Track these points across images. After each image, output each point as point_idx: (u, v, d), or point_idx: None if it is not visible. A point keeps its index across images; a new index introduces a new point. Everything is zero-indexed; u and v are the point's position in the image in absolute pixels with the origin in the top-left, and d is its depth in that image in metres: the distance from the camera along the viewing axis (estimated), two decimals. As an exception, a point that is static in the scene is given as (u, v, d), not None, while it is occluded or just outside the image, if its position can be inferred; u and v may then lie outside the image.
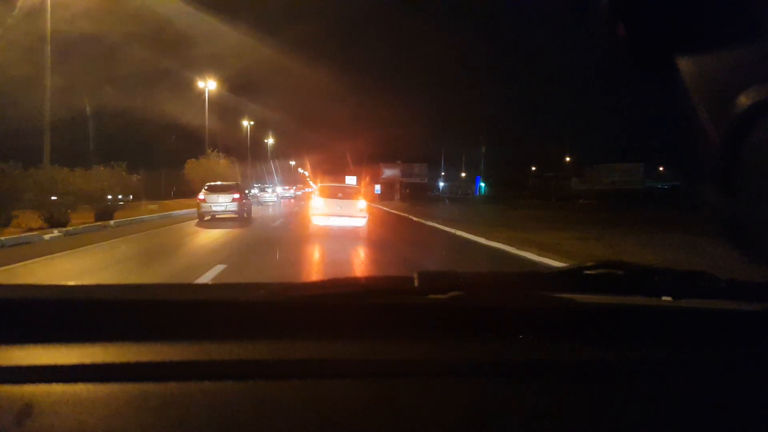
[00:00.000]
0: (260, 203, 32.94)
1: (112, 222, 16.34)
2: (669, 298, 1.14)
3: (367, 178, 54.29)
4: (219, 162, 35.34)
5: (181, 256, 10.33)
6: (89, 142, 27.77)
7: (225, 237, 13.21)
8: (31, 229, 13.28)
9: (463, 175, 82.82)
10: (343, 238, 12.79)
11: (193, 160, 34.06)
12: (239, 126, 54.24)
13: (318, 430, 0.78)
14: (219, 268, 7.59)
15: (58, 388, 0.82)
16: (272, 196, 38.78)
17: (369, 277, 1.60)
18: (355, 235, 13.24)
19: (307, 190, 59.01)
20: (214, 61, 50.56)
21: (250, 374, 0.89)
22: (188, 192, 33.33)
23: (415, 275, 1.12)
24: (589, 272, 1.15)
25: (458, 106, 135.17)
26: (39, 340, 0.94)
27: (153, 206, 23.92)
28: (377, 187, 54.21)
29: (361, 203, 13.94)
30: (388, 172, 60.57)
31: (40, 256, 9.16)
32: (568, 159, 75.15)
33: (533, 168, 76.60)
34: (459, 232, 14.95)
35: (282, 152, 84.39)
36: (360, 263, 9.41)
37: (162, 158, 38.74)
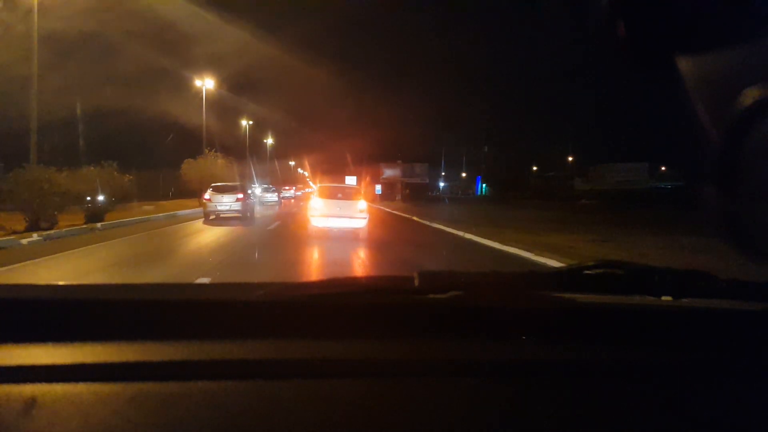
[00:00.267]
0: (262, 203, 33.29)
1: (99, 225, 15.46)
2: (669, 298, 1.14)
3: (368, 178, 54.16)
4: (216, 162, 34.82)
5: (163, 266, 8.64)
6: (82, 141, 27.11)
7: (216, 242, 12.41)
8: (15, 232, 12.61)
9: (464, 175, 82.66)
10: (343, 240, 12.36)
11: (191, 159, 33.62)
12: (238, 125, 53.72)
13: (318, 430, 0.78)
14: (203, 281, 6.47)
15: (58, 388, 0.83)
16: (273, 196, 39.63)
17: (369, 277, 1.63)
18: (356, 238, 12.84)
19: (306, 190, 58.94)
20: (213, 60, 50.25)
21: (250, 374, 0.89)
22: (187, 192, 33.11)
23: (416, 275, 1.13)
24: (589, 272, 1.15)
25: (459, 105, 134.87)
26: (39, 340, 0.94)
27: (148, 207, 23.54)
28: (378, 188, 53.87)
29: (362, 204, 13.60)
30: (389, 172, 60.07)
31: (7, 264, 8.23)
32: (570, 159, 74.73)
33: (534, 168, 76.34)
34: (468, 236, 14.12)
35: (281, 152, 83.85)
36: (364, 269, 8.70)
37: (162, 158, 38.31)
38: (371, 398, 0.85)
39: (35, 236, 11.97)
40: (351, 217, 13.22)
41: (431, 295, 1.11)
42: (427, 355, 0.98)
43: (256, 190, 35.10)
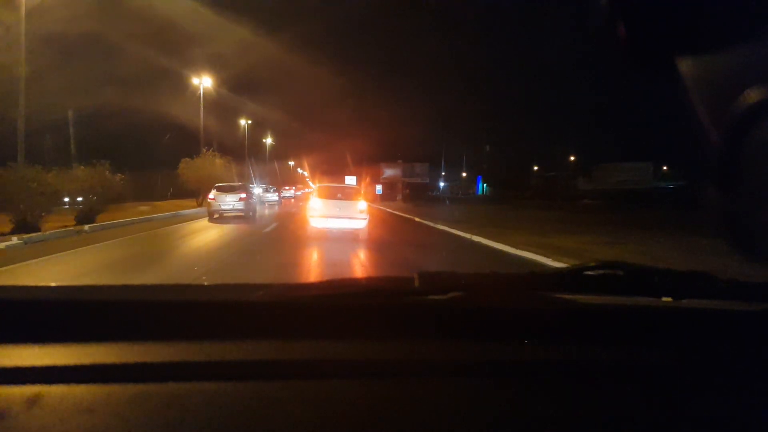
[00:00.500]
0: (263, 202, 33.93)
1: (86, 227, 14.74)
2: (669, 299, 1.13)
3: (368, 179, 53.73)
4: (215, 162, 34.08)
5: (143, 276, 7.45)
6: (77, 142, 26.60)
7: (207, 247, 11.71)
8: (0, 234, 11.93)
9: (464, 174, 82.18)
10: (343, 241, 11.90)
11: (188, 159, 32.85)
12: (237, 126, 53.06)
13: (318, 430, 0.78)
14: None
15: (58, 389, 0.83)
16: (274, 195, 40.46)
17: (369, 278, 1.57)
18: (356, 239, 12.39)
19: (306, 190, 58.71)
20: (212, 60, 49.78)
21: (250, 374, 0.89)
22: (185, 193, 32.55)
23: (416, 275, 1.14)
24: (589, 273, 1.16)
25: (459, 105, 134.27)
26: (39, 340, 0.94)
27: (144, 208, 23.17)
28: (378, 188, 53.34)
29: (362, 204, 13.23)
30: (389, 172, 59.50)
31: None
32: (572, 158, 74.07)
33: (535, 168, 75.77)
34: (476, 238, 13.42)
35: (281, 152, 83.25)
36: (366, 273, 8.03)
37: (161, 159, 37.88)
38: (371, 399, 0.85)
39: (15, 239, 11.26)
40: (351, 218, 12.90)
41: (431, 296, 1.12)
42: (427, 355, 0.99)
43: (258, 190, 35.09)
